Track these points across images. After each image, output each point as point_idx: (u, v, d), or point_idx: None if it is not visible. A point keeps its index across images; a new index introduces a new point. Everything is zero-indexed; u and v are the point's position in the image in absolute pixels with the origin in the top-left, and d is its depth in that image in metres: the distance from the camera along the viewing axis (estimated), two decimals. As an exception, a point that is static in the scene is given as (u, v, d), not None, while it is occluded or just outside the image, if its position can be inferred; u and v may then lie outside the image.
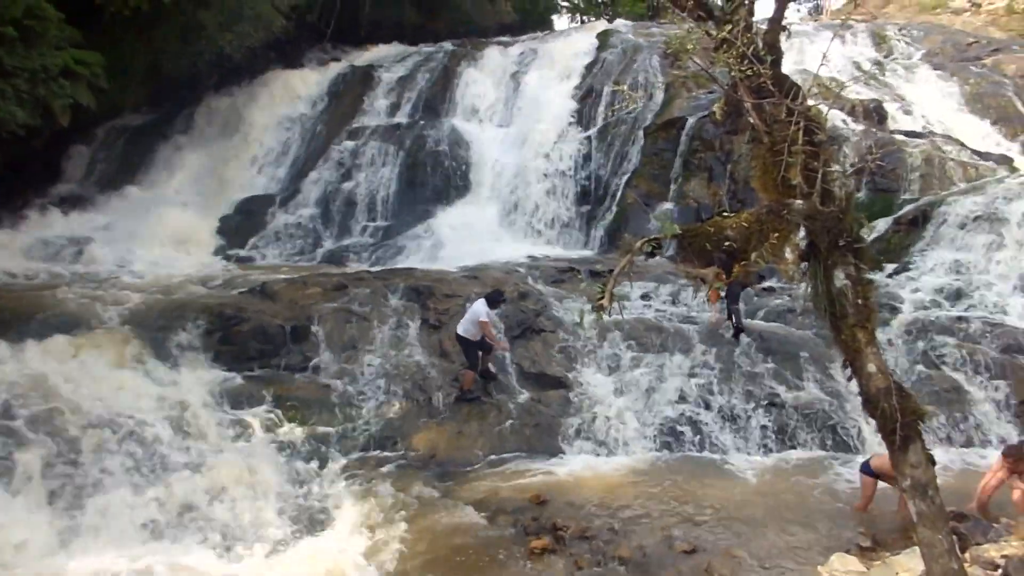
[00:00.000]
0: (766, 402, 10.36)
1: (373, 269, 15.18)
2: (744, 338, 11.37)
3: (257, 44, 20.61)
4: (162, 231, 17.64)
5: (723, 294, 11.46)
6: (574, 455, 9.87)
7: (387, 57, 23.07)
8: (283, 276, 13.94)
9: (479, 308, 10.52)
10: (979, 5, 24.76)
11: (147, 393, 9.69)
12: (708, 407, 10.41)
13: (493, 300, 10.78)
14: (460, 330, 10.59)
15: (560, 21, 39.73)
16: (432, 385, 10.81)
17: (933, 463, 4.70)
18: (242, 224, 18.31)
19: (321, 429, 9.88)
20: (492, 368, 10.94)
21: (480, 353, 10.70)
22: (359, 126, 20.42)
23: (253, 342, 11.14)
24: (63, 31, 15.30)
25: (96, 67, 16.12)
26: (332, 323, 11.71)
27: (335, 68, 22.93)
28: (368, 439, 9.93)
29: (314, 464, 9.34)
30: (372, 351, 11.37)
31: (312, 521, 8.26)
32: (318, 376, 10.92)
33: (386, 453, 9.73)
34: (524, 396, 10.78)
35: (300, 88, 22.13)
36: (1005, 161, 15.55)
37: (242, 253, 17.57)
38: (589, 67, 20.64)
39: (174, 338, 10.92)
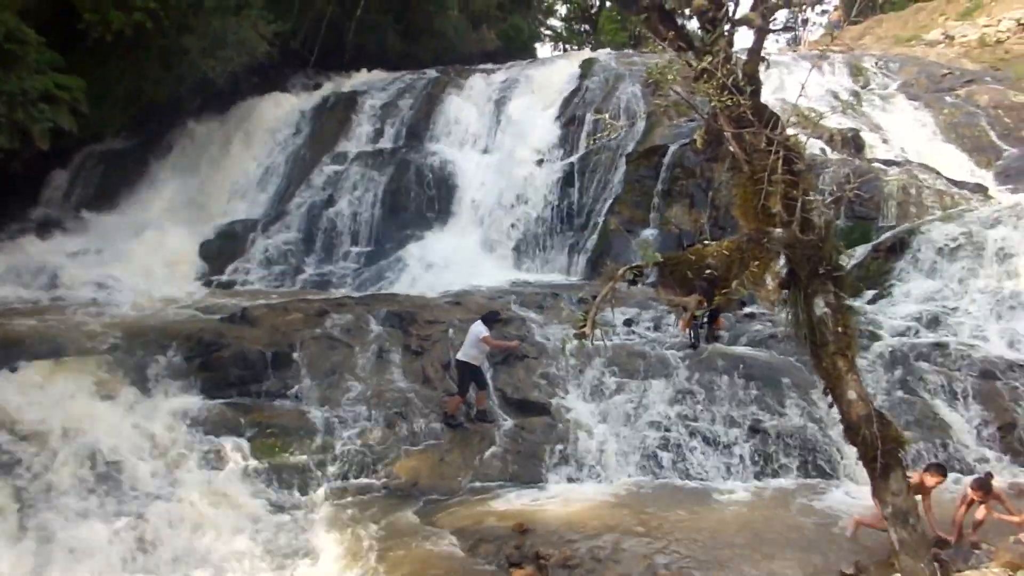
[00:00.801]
0: (748, 428, 10.37)
1: (355, 295, 15.12)
2: (702, 350, 11.69)
3: (240, 69, 20.60)
4: (141, 256, 17.48)
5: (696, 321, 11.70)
6: (557, 482, 9.80)
7: (371, 83, 23.17)
8: (264, 302, 13.84)
9: (479, 328, 10.52)
10: (952, 38, 25.34)
11: (123, 421, 9.53)
12: (691, 433, 10.39)
13: (489, 320, 10.81)
14: (461, 355, 10.53)
15: (543, 49, 40.24)
16: (414, 412, 10.71)
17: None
18: (223, 249, 18.19)
19: (301, 457, 9.74)
20: (486, 407, 10.79)
21: (474, 385, 10.62)
22: (342, 151, 20.45)
23: (233, 368, 11.00)
24: (44, 55, 15.25)
25: (77, 91, 16.07)
26: (313, 349, 11.61)
27: (319, 94, 22.99)
28: (349, 467, 9.80)
29: (294, 493, 9.20)
30: (354, 377, 11.26)
31: (292, 551, 8.11)
32: (299, 403, 10.80)
33: (367, 481, 9.61)
34: (507, 423, 10.72)
35: (283, 113, 22.15)
36: (980, 190, 15.82)
37: (223, 278, 17.44)
38: (571, 95, 20.84)
39: (151, 365, 10.77)
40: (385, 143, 20.72)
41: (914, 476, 6.93)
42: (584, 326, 4.33)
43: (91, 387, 10.06)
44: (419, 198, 18.88)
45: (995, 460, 9.92)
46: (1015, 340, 11.88)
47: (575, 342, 4.42)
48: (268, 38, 20.39)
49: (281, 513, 8.78)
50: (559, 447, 10.24)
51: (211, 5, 18.16)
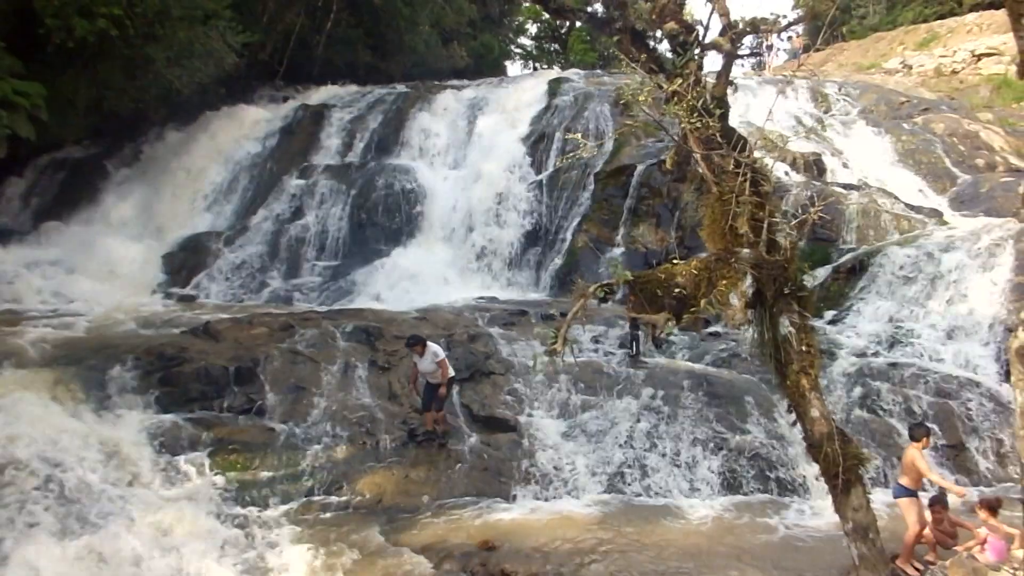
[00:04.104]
0: (712, 446, 10.48)
1: (321, 309, 14.98)
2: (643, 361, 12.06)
3: (207, 80, 20.40)
4: (100, 267, 17.14)
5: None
6: (523, 499, 9.78)
7: (340, 97, 23.10)
8: (228, 315, 13.64)
9: (436, 348, 10.46)
10: (911, 67, 26.14)
11: (78, 436, 9.27)
12: (656, 451, 10.46)
13: (410, 344, 10.57)
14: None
15: (513, 67, 40.59)
16: (380, 428, 10.62)
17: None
18: (186, 261, 17.91)
19: (264, 474, 9.59)
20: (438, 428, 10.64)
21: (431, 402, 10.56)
22: (310, 165, 20.32)
23: (194, 383, 10.81)
24: (3, 60, 14.93)
25: (37, 98, 15.74)
26: (278, 364, 11.47)
27: (287, 106, 22.85)
28: (313, 484, 9.67)
29: (256, 510, 9.03)
30: (319, 393, 11.14)
31: (253, 570, 7.95)
32: (262, 419, 10.64)
33: (331, 498, 9.48)
34: (473, 439, 10.68)
35: (250, 125, 21.95)
36: (935, 214, 16.28)
37: (185, 291, 17.15)
38: (541, 113, 21.01)
39: (109, 379, 10.53)
40: (353, 157, 20.65)
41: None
42: (555, 343, 4.36)
43: (45, 401, 9.79)
44: (387, 213, 18.80)
45: (950, 477, 10.14)
46: (968, 361, 12.21)
47: (545, 359, 4.44)
48: (236, 49, 20.22)
49: (243, 531, 8.60)
50: (525, 464, 10.24)
51: (178, 14, 17.97)
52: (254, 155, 20.97)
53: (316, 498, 9.45)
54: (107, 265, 17.40)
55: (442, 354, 10.41)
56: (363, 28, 25.37)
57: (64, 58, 16.68)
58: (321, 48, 24.46)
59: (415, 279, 17.01)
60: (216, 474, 9.42)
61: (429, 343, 10.46)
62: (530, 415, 11.16)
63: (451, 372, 10.55)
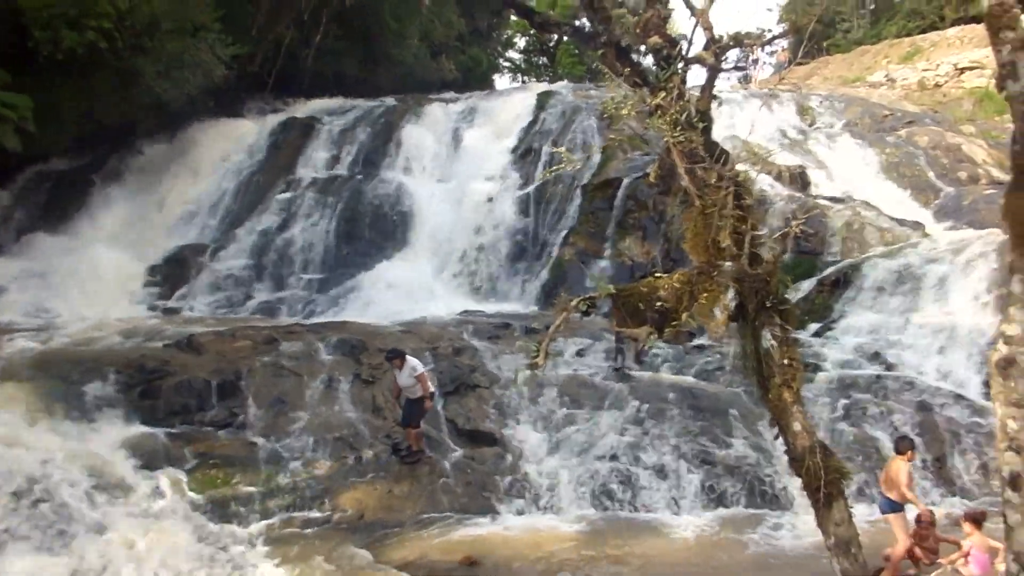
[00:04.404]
0: (697, 460, 10.45)
1: (306, 322, 14.89)
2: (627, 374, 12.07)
3: (196, 92, 20.33)
4: (85, 280, 16.96)
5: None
6: (507, 514, 9.71)
7: (328, 109, 23.08)
8: (211, 328, 13.53)
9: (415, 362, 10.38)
10: (894, 81, 26.41)
11: (58, 450, 9.15)
12: (641, 465, 10.42)
13: (389, 357, 10.51)
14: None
15: (502, 80, 40.74)
16: (363, 442, 10.54)
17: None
18: (171, 274, 17.77)
19: (244, 489, 9.48)
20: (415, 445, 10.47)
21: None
22: (297, 177, 20.26)
23: (176, 397, 10.71)
24: (-11, 72, 14.85)
25: (24, 110, 15.62)
26: (261, 378, 11.38)
27: (275, 118, 22.79)
28: (294, 499, 9.56)
29: (236, 526, 8.92)
30: (302, 407, 11.06)
31: (231, 587, 7.84)
32: (244, 433, 10.54)
33: (312, 514, 9.38)
34: (457, 453, 10.61)
35: (238, 137, 21.89)
36: (919, 227, 16.39)
37: (169, 304, 17.02)
38: (529, 126, 21.06)
39: (89, 392, 10.42)
40: (341, 170, 20.60)
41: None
42: (537, 356, 4.33)
43: (24, 413, 9.66)
44: (374, 226, 18.76)
45: (932, 490, 10.16)
46: (951, 373, 12.27)
47: (527, 373, 4.41)
48: (225, 61, 20.17)
49: (222, 548, 8.49)
50: (509, 478, 10.18)
51: (168, 27, 17.93)
52: (241, 167, 20.88)
53: (297, 514, 9.34)
54: (91, 278, 17.23)
55: (420, 368, 10.28)
56: (352, 41, 25.37)
57: (53, 70, 16.58)
58: (310, 61, 24.42)
59: (401, 292, 16.95)
60: (196, 490, 9.30)
61: (408, 357, 10.36)
62: (515, 429, 11.10)
63: (432, 387, 10.40)
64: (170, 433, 10.15)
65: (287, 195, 19.51)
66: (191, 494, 9.20)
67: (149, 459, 9.59)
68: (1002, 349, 4.49)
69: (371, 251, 18.41)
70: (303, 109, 23.30)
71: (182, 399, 10.75)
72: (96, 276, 17.33)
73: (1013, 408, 4.47)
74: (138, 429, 10.09)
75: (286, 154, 21.10)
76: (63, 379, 10.60)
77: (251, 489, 9.50)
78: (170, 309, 16.79)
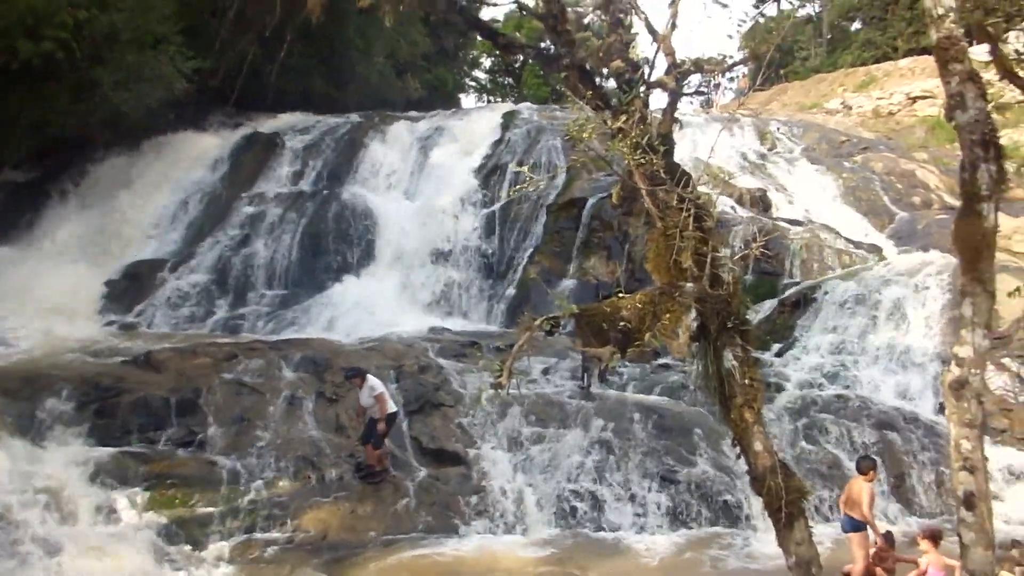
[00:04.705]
0: (661, 479, 10.50)
1: (268, 339, 14.68)
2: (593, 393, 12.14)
3: (156, 105, 20.05)
4: (38, 294, 16.50)
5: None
6: (472, 534, 9.65)
7: (293, 125, 22.94)
8: (170, 345, 13.27)
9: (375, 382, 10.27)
10: (850, 108, 27.14)
11: (6, 471, 8.86)
12: (606, 484, 10.44)
13: (348, 376, 10.44)
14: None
15: (467, 100, 40.93)
16: (326, 461, 10.40)
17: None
18: (129, 288, 17.40)
19: (203, 509, 9.27)
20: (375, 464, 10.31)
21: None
22: (261, 192, 20.06)
23: (132, 415, 10.47)
24: (-58, 81, 14.48)
25: (-25, 121, 15.26)
26: (221, 395, 11.19)
27: (238, 133, 22.57)
28: (255, 519, 9.38)
29: (195, 548, 8.72)
30: (264, 425, 10.89)
31: (187, 611, 7.65)
32: (203, 452, 10.34)
33: (273, 534, 9.21)
34: (421, 473, 10.52)
35: (200, 151, 21.61)
36: (875, 250, 16.81)
37: (127, 319, 16.63)
38: (494, 145, 21.16)
39: (41, 410, 10.12)
40: (305, 185, 20.45)
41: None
42: (500, 376, 4.34)
43: (-28, 434, 9.36)
44: (338, 242, 18.63)
45: (891, 508, 10.35)
46: (908, 393, 12.56)
47: (491, 393, 4.41)
48: (187, 74, 19.94)
49: (180, 570, 8.29)
50: (474, 498, 10.12)
51: (127, 38, 17.69)
52: (203, 181, 20.61)
53: (258, 535, 9.17)
54: (45, 293, 16.77)
55: (380, 388, 10.15)
56: (317, 58, 25.31)
57: (7, 79, 16.23)
58: (274, 76, 24.27)
59: (366, 309, 16.82)
60: (153, 511, 9.08)
61: (369, 376, 10.26)
62: (480, 448, 11.05)
63: (391, 408, 10.23)
64: (126, 452, 9.90)
65: (250, 210, 19.30)
66: (148, 515, 8.98)
67: (104, 479, 9.34)
68: (955, 371, 4.63)
69: (335, 267, 18.27)
70: (267, 124, 23.12)
71: (139, 417, 10.51)
72: (51, 291, 16.89)
73: (966, 428, 4.60)
74: (93, 448, 9.82)
75: (249, 169, 20.89)
76: (14, 396, 10.31)
77: (210, 509, 9.30)
78: (128, 325, 16.42)
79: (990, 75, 6.49)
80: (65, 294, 16.98)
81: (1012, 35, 6.93)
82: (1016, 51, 6.84)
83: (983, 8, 6.50)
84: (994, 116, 5.31)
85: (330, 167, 20.82)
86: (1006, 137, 18.41)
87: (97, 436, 10.08)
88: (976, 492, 4.52)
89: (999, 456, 11.11)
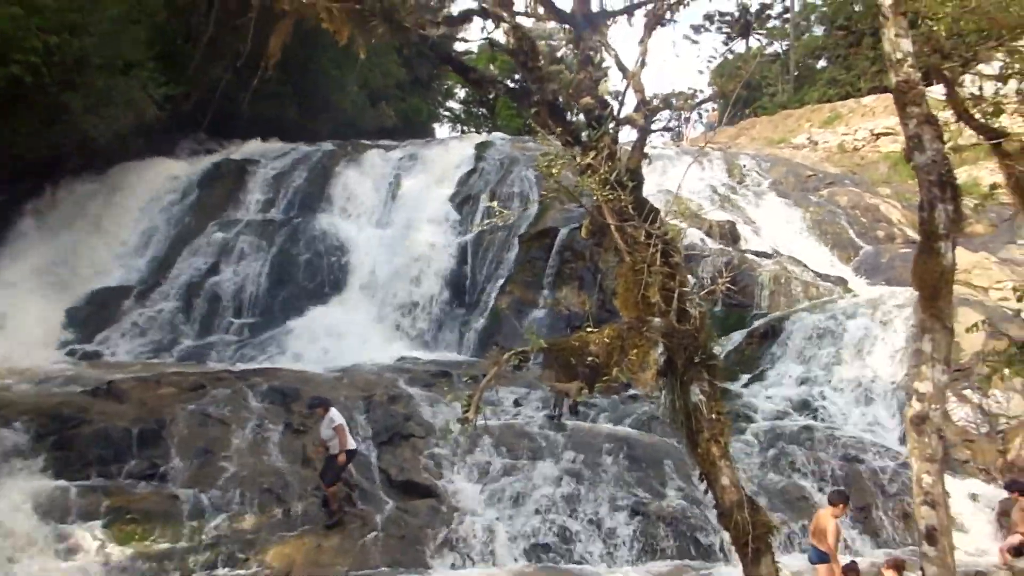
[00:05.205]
0: (631, 511, 10.47)
1: (235, 368, 14.47)
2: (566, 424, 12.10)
3: (126, 130, 19.87)
4: (-1, 322, 16.16)
5: None
6: (441, 568, 9.53)
7: (265, 152, 22.85)
8: (134, 374, 13.02)
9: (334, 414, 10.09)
10: (816, 143, 27.71)
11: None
12: (576, 516, 10.38)
13: (312, 406, 10.28)
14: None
15: (441, 129, 41.15)
16: (292, 494, 10.22)
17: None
18: (92, 316, 17.09)
19: (164, 545, 9.05)
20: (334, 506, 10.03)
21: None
22: (231, 219, 19.90)
23: (93, 447, 10.22)
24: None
25: (-59, 144, 14.99)
26: (185, 426, 10.98)
27: (209, 159, 22.44)
28: (217, 555, 9.17)
29: (153, 585, 8.48)
30: (228, 457, 10.69)
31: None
32: (165, 485, 10.11)
33: (237, 571, 9.01)
34: (389, 506, 10.38)
35: (170, 177, 21.41)
36: (841, 282, 17.09)
37: (89, 348, 16.31)
38: (468, 175, 21.26)
39: (-4, 442, 9.84)
40: (276, 213, 20.33)
41: None
42: (468, 410, 4.31)
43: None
44: (309, 270, 18.51)
45: (858, 539, 10.41)
46: (873, 423, 12.70)
47: (459, 427, 4.39)
48: (158, 100, 19.83)
49: (137, 608, 8.06)
50: (443, 532, 9.99)
51: (98, 63, 17.57)
52: (172, 208, 20.41)
53: (221, 571, 8.97)
54: (6, 320, 16.43)
55: (339, 420, 9.95)
56: (291, 86, 25.33)
57: (-28, 104, 16.02)
58: (247, 103, 24.23)
59: (336, 338, 16.69)
60: (111, 546, 8.82)
61: (331, 409, 10.09)
62: (450, 480, 10.95)
63: (351, 443, 10.03)
64: (85, 486, 9.64)
65: (220, 237, 19.12)
66: (107, 551, 8.72)
67: (62, 514, 9.08)
68: (915, 406, 4.70)
69: (306, 296, 18.13)
70: (239, 151, 23.02)
71: (99, 449, 10.26)
72: (11, 318, 16.53)
73: (927, 463, 4.67)
74: (50, 482, 9.55)
75: (219, 196, 20.73)
76: (-33, 428, 10.01)
77: (172, 545, 9.07)
78: (90, 353, 16.10)
79: (948, 114, 6.71)
80: (25, 322, 16.63)
81: (967, 78, 7.16)
82: (972, 94, 7.07)
83: (940, 52, 6.72)
84: (951, 156, 5.48)
85: (302, 195, 20.74)
86: (966, 173, 18.96)
87: (55, 469, 9.81)
88: (938, 526, 4.58)
89: (963, 487, 11.28)
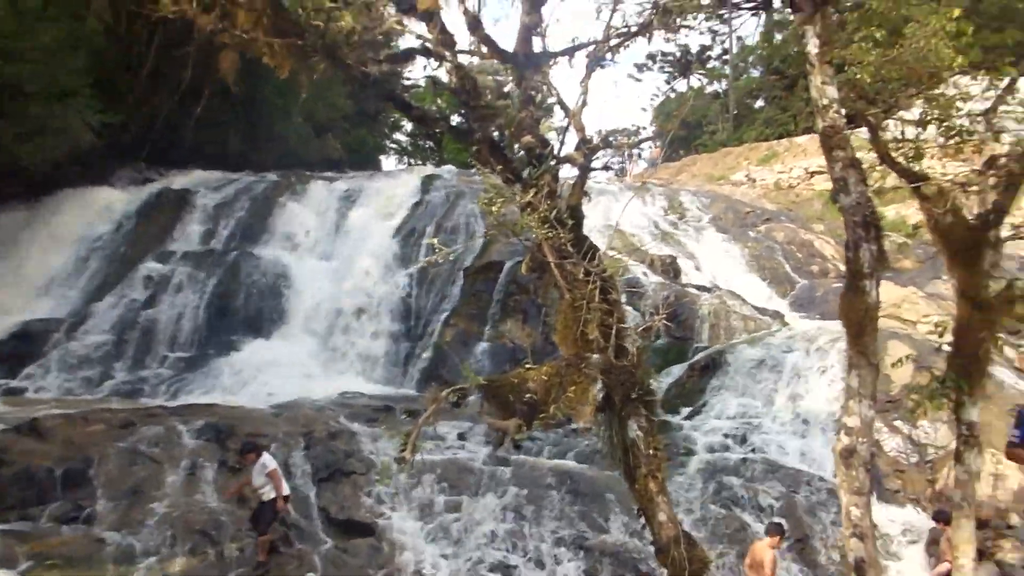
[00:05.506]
0: (575, 545, 10.43)
1: (169, 404, 14.02)
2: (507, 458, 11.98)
3: (61, 158, 19.32)
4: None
5: None
6: (380, 610, 9.29)
7: (206, 182, 22.46)
8: (60, 411, 12.48)
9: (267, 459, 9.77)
10: (754, 180, 28.62)
11: None
12: (519, 551, 10.29)
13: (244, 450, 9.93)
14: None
15: (388, 162, 41.11)
16: (225, 535, 9.87)
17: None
18: (16, 351, 16.36)
19: (86, 592, 8.64)
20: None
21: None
22: (168, 250, 19.44)
23: (12, 488, 9.73)
24: None
25: None
26: (114, 465, 10.56)
27: (147, 189, 21.93)
28: (145, 601, 8.79)
29: (74, 635, 8.07)
30: (159, 497, 10.30)
31: None
32: (91, 528, 9.67)
33: (165, 617, 8.64)
34: (328, 545, 10.12)
35: (105, 206, 20.86)
36: (778, 316, 17.56)
37: (12, 383, 15.61)
38: (414, 207, 21.26)
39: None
40: (217, 244, 19.95)
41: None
42: (404, 450, 4.27)
43: None
44: (250, 303, 18.15)
45: (795, 571, 10.55)
46: (810, 455, 12.97)
47: (394, 466, 4.33)
48: (96, 128, 19.37)
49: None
50: (384, 571, 9.78)
51: (33, 90, 17.11)
52: (106, 238, 19.86)
53: (148, 618, 8.57)
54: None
55: (272, 465, 9.65)
56: (234, 115, 25.04)
57: None
58: (190, 133, 23.86)
59: (276, 373, 16.33)
60: (29, 594, 8.38)
61: (264, 453, 9.78)
62: (390, 517, 10.75)
63: (286, 489, 9.75)
64: (3, 531, 9.15)
65: (156, 268, 18.63)
66: (23, 600, 8.28)
67: (-25, 561, 8.59)
68: (844, 440, 4.84)
69: (246, 329, 17.76)
70: (179, 181, 22.57)
71: (20, 491, 9.77)
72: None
73: (855, 496, 4.79)
74: (-36, 526, 9.05)
75: (158, 226, 20.27)
76: None
77: (95, 592, 8.67)
78: (13, 390, 15.40)
79: (874, 156, 7.02)
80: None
81: (891, 123, 7.50)
82: (895, 138, 7.41)
83: (864, 98, 7.04)
84: (875, 198, 5.73)
85: (243, 226, 20.42)
86: (894, 211, 19.73)
87: (-30, 512, 9.30)
88: (866, 558, 4.68)
89: (895, 515, 11.59)
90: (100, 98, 19.33)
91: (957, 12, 6.40)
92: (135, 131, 22.73)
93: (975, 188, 5.97)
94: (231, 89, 21.58)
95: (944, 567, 9.61)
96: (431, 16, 5.51)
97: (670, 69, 44.64)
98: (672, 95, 43.67)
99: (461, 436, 13.10)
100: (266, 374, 16.33)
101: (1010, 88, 6.72)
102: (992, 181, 5.78)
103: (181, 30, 16.18)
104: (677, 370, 15.26)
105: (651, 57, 44.27)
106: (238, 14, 4.98)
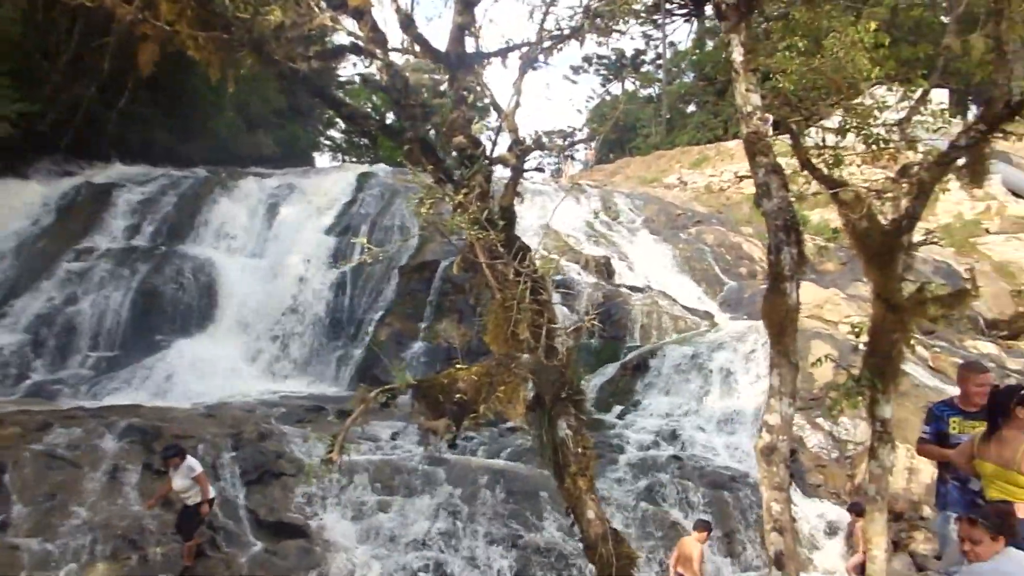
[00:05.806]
0: (508, 544, 10.48)
1: (91, 405, 13.50)
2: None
3: (-28, 149, 18.40)
4: None
5: None
6: (310, 613, 9.16)
7: (131, 176, 21.66)
8: (-30, 414, 11.88)
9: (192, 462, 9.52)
10: (686, 184, 29.30)
11: None
12: (452, 551, 10.29)
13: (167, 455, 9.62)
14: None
15: (322, 158, 40.47)
16: (149, 540, 9.56)
17: None
18: (-78, 352, 15.55)
19: (-3, 603, 8.26)
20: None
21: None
22: (89, 247, 18.68)
23: (-84, 497, 9.22)
24: None
25: None
26: (30, 470, 10.10)
27: (66, 183, 21.02)
28: (61, 611, 8.44)
29: (-17, 648, 7.71)
30: (79, 502, 9.90)
31: None
32: (4, 535, 9.23)
33: (83, 627, 8.32)
34: (256, 548, 9.91)
35: (21, 200, 19.90)
36: (708, 316, 18.02)
37: (-82, 386, 14.80)
38: (348, 205, 21.01)
39: None
40: (141, 240, 19.28)
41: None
42: (332, 451, 4.22)
43: None
44: (176, 301, 17.62)
45: (722, 564, 10.85)
46: (738, 452, 13.35)
47: (319, 467, 4.29)
48: (10, 118, 18.48)
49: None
50: (314, 573, 9.63)
51: (-59, 77, 16.26)
52: (22, 233, 18.95)
53: (65, 628, 8.24)
54: None
55: (199, 469, 9.37)
56: (161, 108, 24.24)
57: None
58: (113, 124, 22.96)
59: (204, 372, 15.93)
60: (-66, 608, 7.96)
61: (188, 456, 9.49)
62: (322, 519, 10.60)
63: (212, 492, 9.51)
64: (-95, 541, 8.68)
65: (76, 265, 17.90)
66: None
67: None
68: (765, 437, 5.00)
69: (172, 328, 17.24)
70: (101, 175, 21.70)
71: (-76, 499, 9.27)
72: None
73: (776, 491, 4.96)
74: None
75: (78, 221, 19.46)
76: None
77: (6, 603, 8.29)
78: (-81, 392, 14.59)
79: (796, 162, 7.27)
80: None
81: (813, 130, 7.78)
82: (816, 144, 7.69)
83: (788, 105, 7.28)
84: (796, 203, 5.94)
85: (170, 222, 19.79)
86: (818, 215, 20.43)
87: None
88: (785, 551, 4.86)
89: (816, 509, 12.04)
90: (16, 86, 18.48)
91: (875, 25, 6.69)
92: (53, 122, 21.75)
93: (890, 195, 6.24)
94: (155, 80, 20.95)
95: (858, 557, 10.03)
96: (362, 13, 5.46)
97: (605, 72, 45.29)
98: (607, 98, 44.31)
99: (394, 436, 13.02)
100: (194, 374, 15.91)
101: (923, 99, 7.06)
102: (905, 188, 6.06)
103: (103, 19, 15.56)
104: (610, 369, 15.50)
105: (587, 60, 44.88)
106: (160, 4, 4.84)
